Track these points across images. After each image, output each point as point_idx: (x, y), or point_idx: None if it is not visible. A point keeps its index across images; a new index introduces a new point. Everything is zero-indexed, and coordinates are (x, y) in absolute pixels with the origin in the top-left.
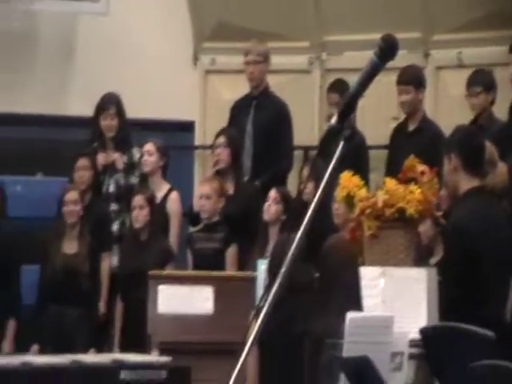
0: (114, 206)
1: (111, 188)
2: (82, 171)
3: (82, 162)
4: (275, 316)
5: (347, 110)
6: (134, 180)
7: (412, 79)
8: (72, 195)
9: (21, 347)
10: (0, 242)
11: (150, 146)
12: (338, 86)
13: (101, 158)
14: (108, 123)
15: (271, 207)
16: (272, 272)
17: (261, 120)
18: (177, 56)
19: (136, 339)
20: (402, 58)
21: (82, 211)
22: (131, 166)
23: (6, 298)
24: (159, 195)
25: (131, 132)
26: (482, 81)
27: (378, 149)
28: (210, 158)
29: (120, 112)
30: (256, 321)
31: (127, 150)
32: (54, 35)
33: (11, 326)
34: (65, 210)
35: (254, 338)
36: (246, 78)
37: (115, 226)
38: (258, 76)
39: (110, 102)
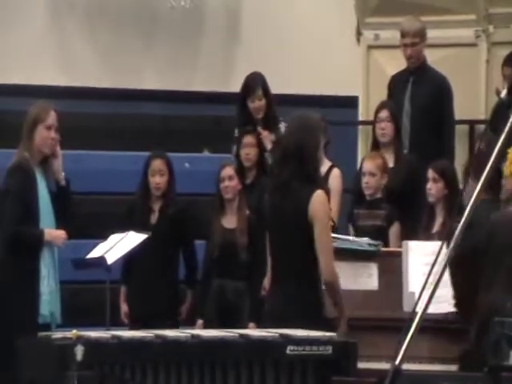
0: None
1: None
2: (248, 148)
3: (249, 139)
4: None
5: None
6: None
7: None
8: (227, 171)
9: (188, 321)
10: (173, 216)
11: None
12: None
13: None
14: (257, 105)
15: (432, 188)
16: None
17: (419, 96)
18: (340, 32)
19: None
20: None
21: (239, 186)
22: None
23: (187, 269)
24: (321, 172)
25: (294, 107)
26: None
27: None
28: (371, 133)
29: (266, 91)
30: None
31: (274, 127)
32: (219, 13)
33: (188, 296)
34: (221, 186)
35: (421, 316)
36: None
37: None
38: (416, 56)
39: (255, 84)
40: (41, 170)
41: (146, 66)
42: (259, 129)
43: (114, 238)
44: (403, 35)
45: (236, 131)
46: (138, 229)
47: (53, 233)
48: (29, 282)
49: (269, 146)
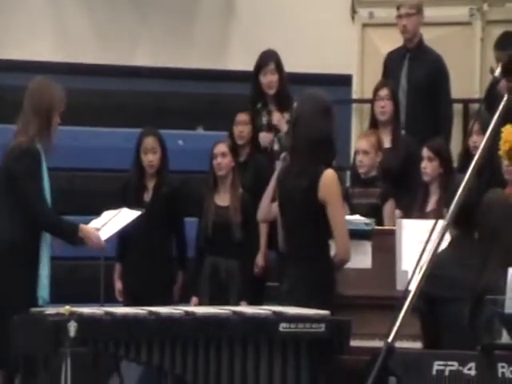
0: (279, 165)
1: (276, 146)
2: (242, 126)
3: (242, 116)
4: None
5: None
6: None
7: None
8: (220, 148)
9: (182, 299)
10: (166, 194)
11: None
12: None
13: (263, 137)
14: (268, 79)
15: (427, 166)
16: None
17: (416, 74)
18: (335, 10)
19: None
20: None
21: (232, 163)
22: None
23: (177, 249)
24: None
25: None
26: None
27: None
28: (368, 111)
29: (279, 67)
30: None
31: (289, 106)
32: None
33: (180, 276)
34: (214, 162)
35: (413, 296)
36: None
37: None
38: (411, 29)
39: (268, 59)
40: (43, 152)
41: (141, 42)
42: (274, 112)
43: (107, 214)
44: (399, 7)
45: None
46: (132, 207)
47: (86, 229)
48: (32, 264)
49: (284, 127)
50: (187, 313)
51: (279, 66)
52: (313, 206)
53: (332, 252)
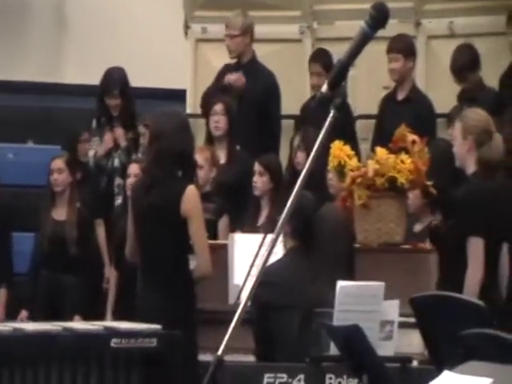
0: (118, 181)
1: (116, 163)
2: (86, 143)
3: (86, 134)
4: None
5: (338, 78)
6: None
7: (402, 47)
8: (56, 163)
9: (12, 314)
10: None
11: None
12: (321, 56)
13: (108, 141)
14: (112, 103)
15: (257, 181)
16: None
17: (247, 91)
18: (168, 25)
19: (129, 308)
20: (393, 28)
21: (70, 178)
22: (135, 143)
23: (2, 266)
24: None
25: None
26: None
27: (370, 118)
28: (202, 126)
29: (124, 91)
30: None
31: (133, 127)
32: (46, 4)
33: (2, 293)
34: (50, 178)
35: (243, 308)
36: None
37: (119, 201)
38: (234, 49)
39: (113, 83)
40: None
41: None
42: (117, 129)
43: None
44: (226, 27)
45: (94, 123)
46: None
47: None
48: None
49: (123, 144)
50: (15, 329)
51: (124, 89)
52: (173, 221)
53: (191, 266)
